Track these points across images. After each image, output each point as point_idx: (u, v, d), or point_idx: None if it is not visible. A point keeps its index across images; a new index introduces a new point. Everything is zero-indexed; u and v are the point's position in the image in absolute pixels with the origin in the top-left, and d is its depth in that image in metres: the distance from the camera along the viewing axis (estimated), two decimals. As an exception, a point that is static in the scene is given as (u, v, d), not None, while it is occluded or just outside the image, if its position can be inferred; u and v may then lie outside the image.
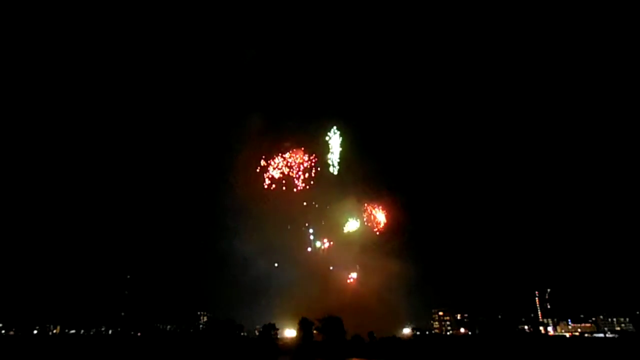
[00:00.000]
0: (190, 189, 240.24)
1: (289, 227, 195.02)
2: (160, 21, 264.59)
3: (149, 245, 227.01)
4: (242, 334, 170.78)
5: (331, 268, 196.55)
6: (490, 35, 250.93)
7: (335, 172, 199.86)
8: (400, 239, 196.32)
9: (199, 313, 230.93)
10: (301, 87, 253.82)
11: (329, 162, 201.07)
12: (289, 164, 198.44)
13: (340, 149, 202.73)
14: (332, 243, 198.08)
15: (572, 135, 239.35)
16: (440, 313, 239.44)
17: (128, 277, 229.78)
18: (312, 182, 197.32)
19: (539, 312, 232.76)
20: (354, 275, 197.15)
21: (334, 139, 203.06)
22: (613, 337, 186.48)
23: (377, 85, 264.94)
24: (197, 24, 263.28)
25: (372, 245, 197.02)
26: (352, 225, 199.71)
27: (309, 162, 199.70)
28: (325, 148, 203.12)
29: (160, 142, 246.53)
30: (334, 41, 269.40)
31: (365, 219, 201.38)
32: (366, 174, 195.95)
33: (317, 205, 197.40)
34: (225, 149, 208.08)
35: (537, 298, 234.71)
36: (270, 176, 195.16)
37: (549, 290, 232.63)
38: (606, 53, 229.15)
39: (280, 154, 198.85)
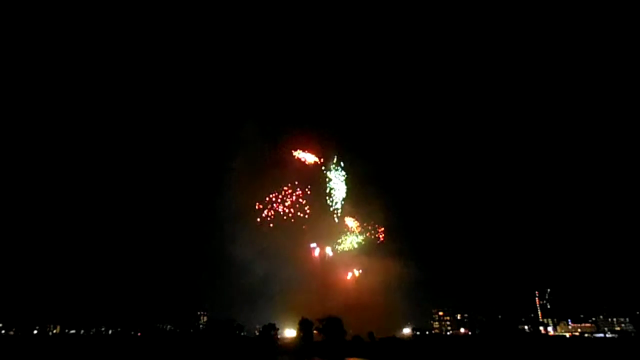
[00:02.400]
0: (191, 193, 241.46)
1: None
2: (160, 37, 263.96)
3: (149, 246, 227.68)
4: (242, 334, 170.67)
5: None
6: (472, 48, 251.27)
7: (337, 219, 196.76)
8: (400, 241, 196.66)
9: (199, 313, 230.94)
10: (300, 97, 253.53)
11: (329, 202, 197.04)
12: (284, 201, 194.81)
13: (346, 187, 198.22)
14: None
15: (571, 136, 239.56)
16: (440, 313, 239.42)
17: (128, 277, 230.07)
18: (307, 216, 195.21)
19: (539, 312, 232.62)
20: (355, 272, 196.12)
21: (336, 176, 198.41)
22: (613, 337, 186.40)
23: (374, 92, 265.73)
24: (199, 44, 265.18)
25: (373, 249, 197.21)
26: (349, 242, 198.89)
27: (302, 196, 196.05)
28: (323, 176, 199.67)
29: (165, 147, 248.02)
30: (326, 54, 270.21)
31: (367, 234, 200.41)
32: (364, 179, 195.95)
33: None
34: (226, 157, 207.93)
35: (537, 298, 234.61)
36: (268, 214, 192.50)
37: (549, 290, 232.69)
38: (606, 53, 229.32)
39: (276, 192, 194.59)
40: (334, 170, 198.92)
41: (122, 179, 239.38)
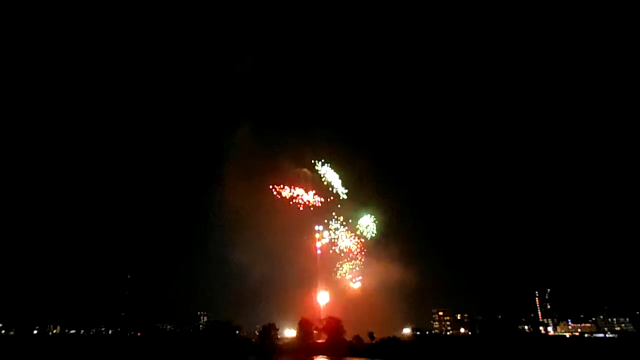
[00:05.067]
0: (192, 194, 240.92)
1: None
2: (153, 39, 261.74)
3: (149, 246, 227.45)
4: (240, 334, 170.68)
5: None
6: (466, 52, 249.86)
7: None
8: (400, 241, 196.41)
9: (198, 313, 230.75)
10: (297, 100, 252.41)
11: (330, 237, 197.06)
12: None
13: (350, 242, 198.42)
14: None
15: (571, 135, 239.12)
16: (440, 313, 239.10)
17: (128, 277, 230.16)
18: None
19: (539, 312, 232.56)
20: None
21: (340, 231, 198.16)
22: (613, 337, 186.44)
23: (367, 96, 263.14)
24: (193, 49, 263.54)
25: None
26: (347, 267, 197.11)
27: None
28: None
29: (165, 147, 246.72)
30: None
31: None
32: (361, 177, 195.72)
33: None
34: (225, 160, 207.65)
35: (537, 298, 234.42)
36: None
37: (549, 290, 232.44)
38: (606, 53, 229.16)
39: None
40: (336, 226, 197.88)
41: (122, 179, 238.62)
